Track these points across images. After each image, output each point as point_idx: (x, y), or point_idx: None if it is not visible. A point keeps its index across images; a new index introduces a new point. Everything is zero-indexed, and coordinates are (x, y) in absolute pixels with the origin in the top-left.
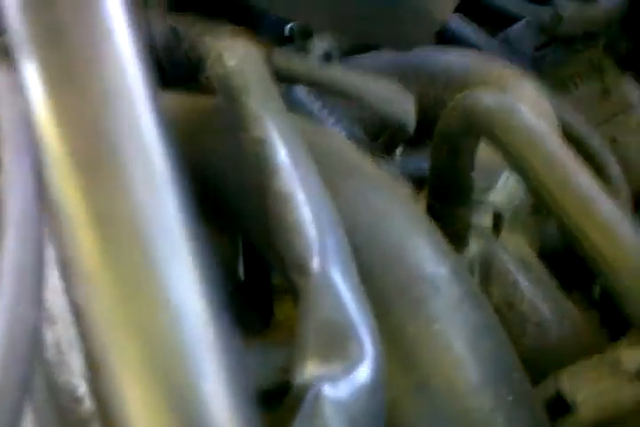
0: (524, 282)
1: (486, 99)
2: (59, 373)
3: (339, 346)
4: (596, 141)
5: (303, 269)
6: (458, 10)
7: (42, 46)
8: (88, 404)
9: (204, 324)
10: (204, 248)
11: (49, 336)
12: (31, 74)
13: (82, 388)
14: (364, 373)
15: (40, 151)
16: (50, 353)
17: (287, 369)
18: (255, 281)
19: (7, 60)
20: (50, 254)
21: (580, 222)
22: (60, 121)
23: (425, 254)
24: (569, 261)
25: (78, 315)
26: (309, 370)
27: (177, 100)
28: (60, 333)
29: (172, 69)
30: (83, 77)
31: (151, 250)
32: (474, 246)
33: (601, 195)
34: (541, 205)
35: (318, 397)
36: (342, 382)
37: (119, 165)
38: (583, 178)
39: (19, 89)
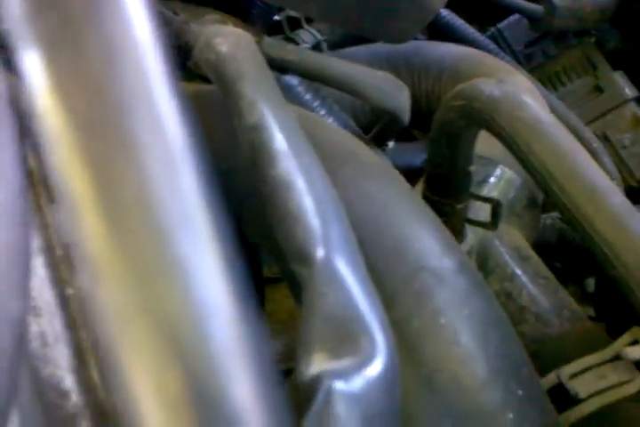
0: (522, 274)
1: (490, 89)
2: (43, 366)
3: (348, 339)
4: (589, 136)
5: (306, 259)
6: (450, 4)
7: (39, 10)
8: (75, 398)
9: (228, 313)
10: (229, 227)
11: (33, 328)
12: (27, 37)
13: (67, 380)
14: (377, 367)
15: (39, 126)
16: (33, 346)
17: (278, 362)
18: None
19: None
20: (36, 243)
21: (589, 214)
22: (62, 88)
23: (429, 246)
24: (563, 254)
25: (83, 303)
26: (318, 365)
27: None
28: (46, 325)
29: None
30: (86, 39)
31: (166, 230)
32: (471, 239)
33: (610, 186)
34: (544, 197)
35: (330, 392)
36: (355, 377)
37: (129, 137)
38: (591, 169)
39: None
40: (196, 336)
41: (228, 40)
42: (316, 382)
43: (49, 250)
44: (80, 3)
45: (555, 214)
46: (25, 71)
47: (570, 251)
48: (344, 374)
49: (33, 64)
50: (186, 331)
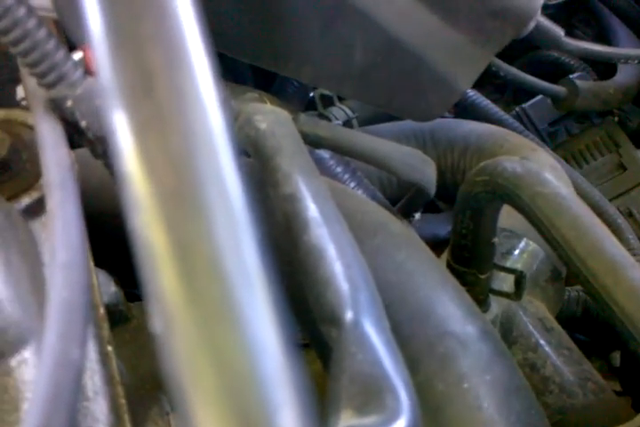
0: (545, 344)
1: (513, 165)
2: (82, 419)
3: (375, 397)
4: (613, 212)
5: (336, 321)
6: (476, 84)
7: (132, 94)
8: None
9: (281, 361)
10: (278, 286)
11: None
12: (120, 121)
13: None
14: (401, 424)
15: (125, 191)
16: None
17: None
18: None
19: (55, 112)
20: None
21: (610, 288)
22: (150, 160)
23: (453, 312)
24: (588, 327)
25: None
26: (345, 420)
27: None
28: (87, 379)
29: None
30: (173, 121)
31: (229, 285)
32: (495, 308)
33: (629, 260)
34: (568, 270)
35: None
36: None
37: (203, 206)
38: (611, 242)
39: (62, 141)
40: (254, 383)
41: (267, 118)
42: None
43: (93, 309)
44: (169, 93)
45: (579, 287)
46: (119, 146)
47: (595, 324)
48: None
49: (127, 141)
50: (247, 379)
